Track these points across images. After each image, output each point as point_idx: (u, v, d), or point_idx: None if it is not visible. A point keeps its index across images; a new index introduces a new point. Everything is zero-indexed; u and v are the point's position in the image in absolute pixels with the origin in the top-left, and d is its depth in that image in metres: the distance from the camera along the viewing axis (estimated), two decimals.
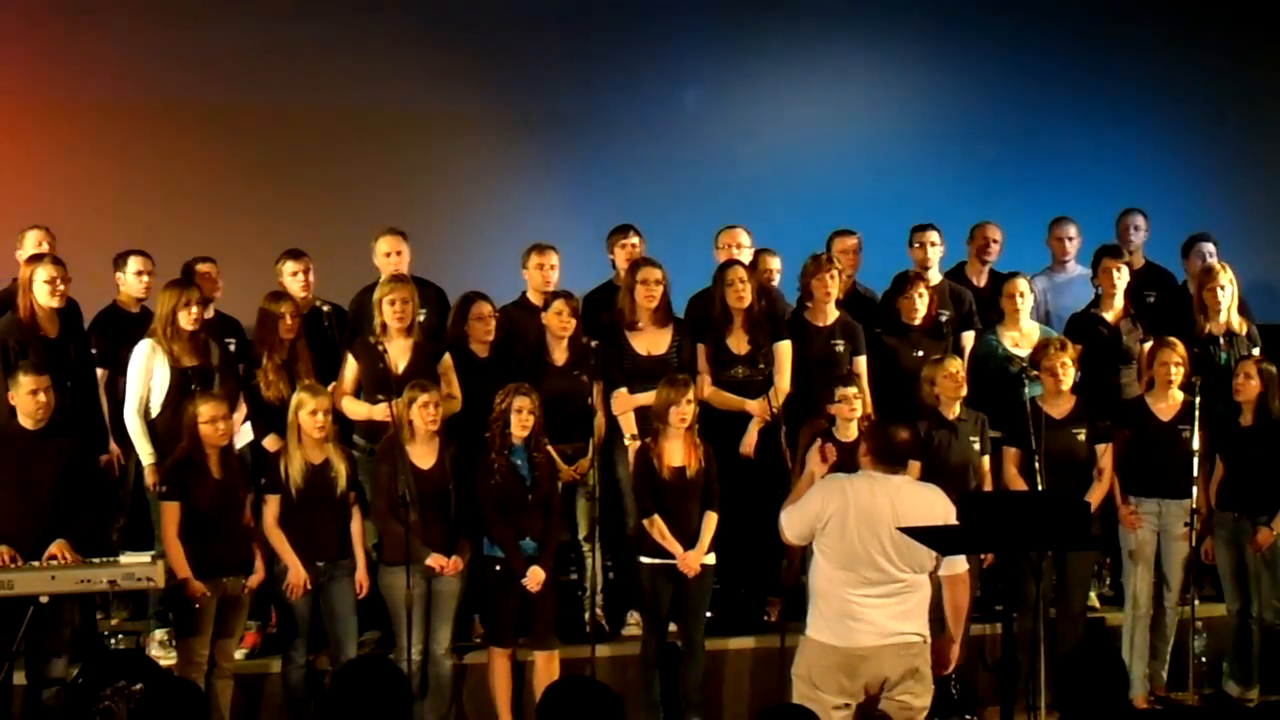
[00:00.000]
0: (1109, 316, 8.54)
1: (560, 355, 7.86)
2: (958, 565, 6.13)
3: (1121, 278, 8.51)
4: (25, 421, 6.92)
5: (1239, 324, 8.43)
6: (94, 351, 7.68)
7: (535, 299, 8.19)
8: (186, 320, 7.40)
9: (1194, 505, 7.78)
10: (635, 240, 8.47)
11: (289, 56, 9.69)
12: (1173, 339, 8.06)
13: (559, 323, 7.82)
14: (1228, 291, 8.38)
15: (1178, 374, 7.91)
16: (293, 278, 8.05)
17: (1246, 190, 10.60)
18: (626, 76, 10.18)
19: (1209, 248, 8.99)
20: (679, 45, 10.24)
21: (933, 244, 8.70)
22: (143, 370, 7.41)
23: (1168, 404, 7.95)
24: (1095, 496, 7.81)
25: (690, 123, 10.25)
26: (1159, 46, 10.66)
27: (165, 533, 7.04)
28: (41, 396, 6.87)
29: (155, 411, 7.43)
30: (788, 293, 8.57)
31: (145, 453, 7.42)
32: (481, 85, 9.97)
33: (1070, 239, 9.12)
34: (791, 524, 6.14)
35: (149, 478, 7.42)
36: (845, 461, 6.67)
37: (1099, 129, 10.52)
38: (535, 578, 7.29)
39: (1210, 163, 10.58)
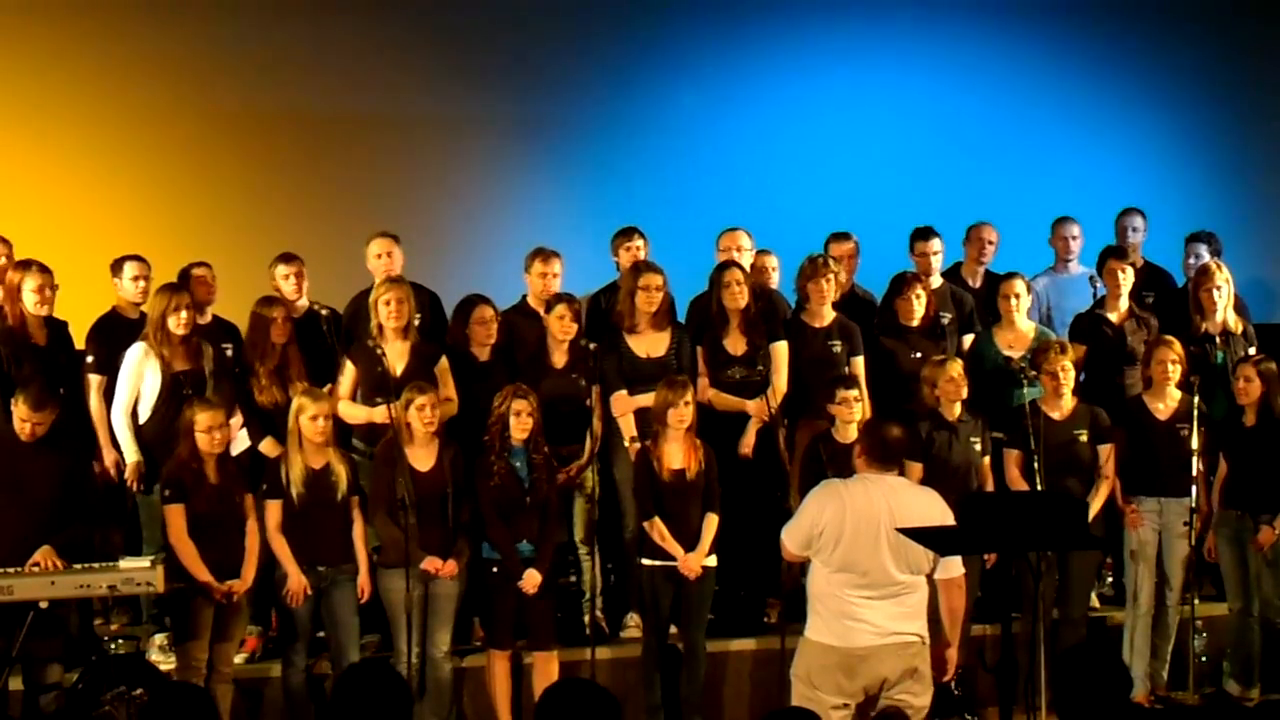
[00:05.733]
0: (1113, 317, 8.53)
1: (560, 358, 7.86)
2: (953, 569, 6.11)
3: (1127, 279, 8.51)
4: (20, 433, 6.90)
5: (1235, 323, 8.43)
6: (90, 359, 7.63)
7: (536, 304, 8.19)
8: (176, 325, 7.40)
9: (1193, 504, 7.78)
10: (640, 243, 8.46)
11: (288, 61, 9.69)
12: (1170, 337, 8.07)
13: (560, 326, 7.83)
14: (1224, 291, 8.37)
15: (1175, 373, 7.90)
16: (285, 281, 8.04)
17: (1245, 190, 10.57)
18: (626, 79, 10.16)
19: (1200, 248, 9.03)
20: (678, 47, 10.22)
21: (934, 252, 8.68)
22: (133, 374, 7.41)
23: (1166, 403, 7.95)
24: (1097, 498, 7.80)
25: (689, 125, 10.24)
26: (1158, 46, 10.65)
27: (173, 535, 7.00)
28: (29, 428, 6.82)
29: (145, 415, 7.42)
30: (784, 293, 8.57)
31: (129, 450, 7.41)
32: (481, 88, 9.97)
33: (1074, 238, 9.10)
34: (792, 537, 6.11)
35: (129, 474, 7.40)
36: (842, 463, 6.66)
37: (1097, 129, 10.51)
38: (531, 580, 7.29)
39: (1209, 162, 10.56)
